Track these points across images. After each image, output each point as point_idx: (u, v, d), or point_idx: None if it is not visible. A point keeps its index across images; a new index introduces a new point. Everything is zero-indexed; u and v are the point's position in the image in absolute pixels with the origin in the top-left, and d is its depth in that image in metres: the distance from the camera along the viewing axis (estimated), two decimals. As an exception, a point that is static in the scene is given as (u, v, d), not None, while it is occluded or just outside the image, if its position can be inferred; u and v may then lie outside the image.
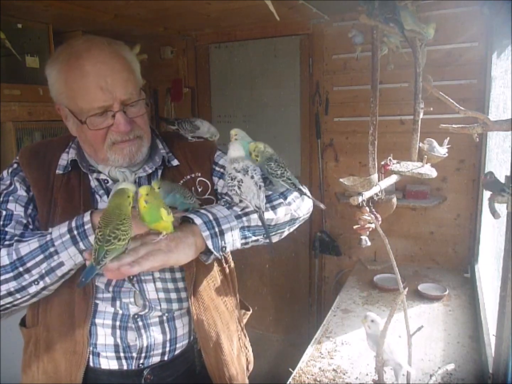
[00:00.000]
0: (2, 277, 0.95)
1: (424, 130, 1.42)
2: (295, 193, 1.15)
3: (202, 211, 0.98)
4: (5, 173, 1.12)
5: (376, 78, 1.20)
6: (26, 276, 0.96)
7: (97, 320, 1.08)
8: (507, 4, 1.58)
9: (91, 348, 1.09)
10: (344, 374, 1.49)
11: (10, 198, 1.07)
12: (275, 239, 1.10)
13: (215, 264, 1.21)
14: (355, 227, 1.33)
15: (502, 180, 1.00)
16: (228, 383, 1.20)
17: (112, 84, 1.01)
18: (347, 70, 2.63)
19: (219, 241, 0.95)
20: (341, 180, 1.21)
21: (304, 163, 2.91)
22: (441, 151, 1.39)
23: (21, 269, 0.95)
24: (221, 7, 2.28)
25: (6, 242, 0.98)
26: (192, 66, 3.16)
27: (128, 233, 0.82)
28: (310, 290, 3.04)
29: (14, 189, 1.09)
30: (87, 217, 0.97)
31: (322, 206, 1.24)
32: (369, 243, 1.34)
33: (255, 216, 1.01)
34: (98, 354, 1.10)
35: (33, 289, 0.97)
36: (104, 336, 1.09)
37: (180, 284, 1.13)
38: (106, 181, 1.13)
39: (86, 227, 0.96)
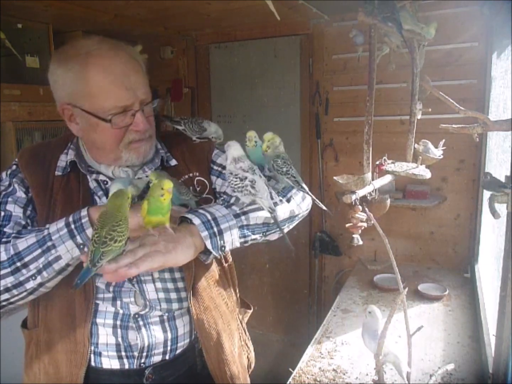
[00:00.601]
0: (0, 273, 0.95)
1: (424, 130, 1.42)
2: (294, 190, 1.15)
3: (200, 210, 0.98)
4: (4, 174, 1.12)
5: (373, 77, 1.19)
6: (24, 271, 0.96)
7: (98, 320, 1.09)
8: (507, 4, 1.58)
9: (92, 347, 1.09)
10: (344, 374, 1.49)
11: (9, 199, 1.07)
12: (274, 236, 1.10)
13: (215, 263, 1.20)
14: (347, 225, 1.33)
15: (502, 180, 1.01)
16: (229, 382, 1.19)
17: (135, 83, 1.04)
18: (347, 70, 2.63)
19: (218, 241, 0.95)
20: (335, 178, 1.21)
21: (304, 163, 2.91)
22: (436, 152, 1.38)
23: (18, 264, 0.95)
24: (221, 7, 2.28)
25: (4, 239, 0.98)
26: (192, 66, 3.16)
27: (124, 234, 0.81)
28: (310, 290, 3.04)
29: (13, 190, 1.09)
30: (84, 211, 0.98)
31: (324, 208, 1.25)
32: (360, 242, 1.34)
33: (254, 214, 1.01)
34: (100, 354, 1.10)
35: (30, 285, 0.97)
36: (105, 336, 1.09)
37: (180, 284, 1.13)
38: (105, 182, 1.13)
39: (83, 220, 0.96)
